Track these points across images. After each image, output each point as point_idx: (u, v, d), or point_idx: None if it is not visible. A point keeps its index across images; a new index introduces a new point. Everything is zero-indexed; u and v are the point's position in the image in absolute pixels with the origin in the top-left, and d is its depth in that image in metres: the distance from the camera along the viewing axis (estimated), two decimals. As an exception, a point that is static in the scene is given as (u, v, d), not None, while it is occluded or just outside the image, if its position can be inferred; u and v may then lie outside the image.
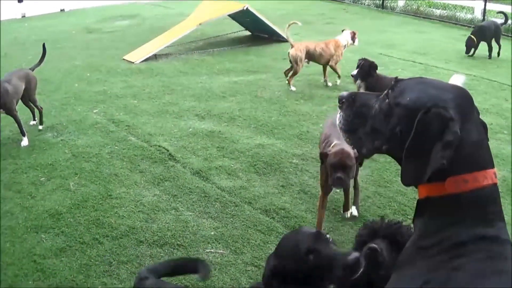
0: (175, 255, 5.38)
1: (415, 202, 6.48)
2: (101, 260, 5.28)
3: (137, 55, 12.92)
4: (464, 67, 12.81)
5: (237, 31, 15.79)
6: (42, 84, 10.80)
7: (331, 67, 10.99)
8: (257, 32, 15.64)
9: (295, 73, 10.74)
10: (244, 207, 6.31)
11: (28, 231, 5.75)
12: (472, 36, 13.82)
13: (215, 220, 6.04)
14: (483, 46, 13.96)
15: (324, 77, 11.10)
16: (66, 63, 12.61)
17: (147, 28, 16.51)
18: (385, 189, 6.84)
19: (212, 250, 5.49)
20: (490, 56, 13.68)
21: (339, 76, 11.08)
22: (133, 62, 12.59)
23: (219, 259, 5.35)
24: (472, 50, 13.80)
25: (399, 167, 7.11)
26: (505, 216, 2.15)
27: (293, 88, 10.67)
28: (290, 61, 10.76)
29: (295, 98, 10.15)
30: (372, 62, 8.91)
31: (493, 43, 13.77)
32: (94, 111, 9.35)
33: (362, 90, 8.56)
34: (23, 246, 5.48)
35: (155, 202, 6.37)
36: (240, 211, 6.22)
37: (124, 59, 12.88)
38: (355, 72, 8.89)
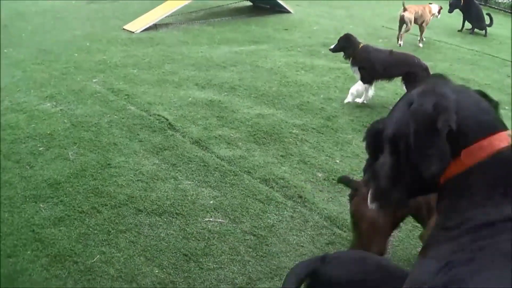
0: (173, 224, 5.37)
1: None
2: (100, 229, 5.27)
3: (137, 25, 12.84)
4: (467, 42, 12.79)
5: (238, 1, 15.68)
6: (42, 54, 10.79)
7: (422, 27, 12.67)
8: (259, 3, 15.54)
9: (407, 30, 12.48)
10: (244, 177, 6.29)
11: (26, 201, 5.72)
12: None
13: (214, 189, 6.02)
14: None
15: (420, 36, 12.83)
16: (66, 33, 12.54)
17: (148, -2, 16.41)
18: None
19: (211, 219, 5.47)
20: (485, 34, 13.73)
21: (421, 39, 12.82)
22: (133, 32, 12.51)
23: (218, 228, 5.34)
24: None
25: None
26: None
27: (399, 43, 12.37)
28: (400, 22, 12.38)
29: (296, 69, 10.12)
30: (349, 36, 8.70)
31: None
32: (94, 80, 9.30)
33: (351, 62, 8.60)
34: (22, 216, 5.45)
35: (154, 171, 6.34)
36: (239, 181, 6.20)
37: (124, 28, 12.80)
38: (332, 47, 8.78)
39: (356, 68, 8.55)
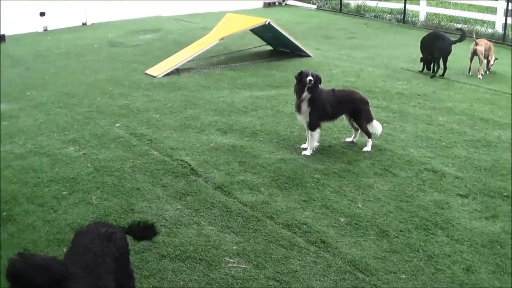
0: (196, 269, 5.37)
1: (437, 217, 6.41)
2: (123, 274, 5.27)
3: (159, 70, 12.95)
4: (485, 81, 12.76)
5: (259, 46, 15.79)
6: (64, 97, 10.93)
7: (488, 60, 13.64)
8: (279, 47, 15.65)
9: (481, 63, 13.40)
10: (266, 222, 6.30)
11: (50, 245, 5.76)
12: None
13: (237, 234, 6.03)
14: (503, 60, 13.98)
15: (487, 67, 13.82)
16: (89, 77, 12.69)
17: (170, 42, 16.58)
18: (407, 204, 6.79)
19: (234, 265, 5.47)
20: (434, 74, 13.29)
21: (488, 69, 13.85)
22: (155, 76, 12.62)
23: (241, 273, 5.34)
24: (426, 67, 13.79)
25: (421, 182, 7.11)
26: None
27: (479, 77, 13.34)
28: (474, 54, 13.39)
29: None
30: (319, 76, 8.42)
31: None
32: (116, 125, 9.39)
33: (305, 102, 8.27)
34: (45, 260, 5.48)
35: (177, 217, 6.37)
36: (262, 226, 6.21)
37: (146, 73, 12.91)
38: (309, 81, 8.17)
39: (308, 110, 8.32)
